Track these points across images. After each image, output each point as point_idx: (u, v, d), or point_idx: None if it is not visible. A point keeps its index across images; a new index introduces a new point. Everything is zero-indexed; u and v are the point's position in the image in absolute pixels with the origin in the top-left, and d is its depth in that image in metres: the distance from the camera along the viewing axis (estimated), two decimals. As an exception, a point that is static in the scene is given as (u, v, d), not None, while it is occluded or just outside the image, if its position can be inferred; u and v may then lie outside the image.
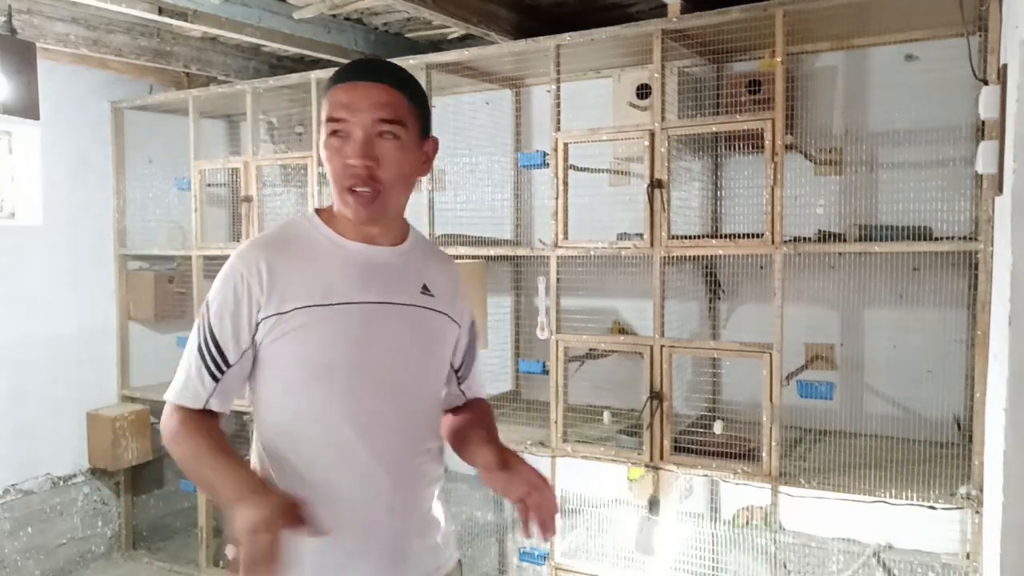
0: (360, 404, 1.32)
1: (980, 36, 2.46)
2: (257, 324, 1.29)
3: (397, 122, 1.29)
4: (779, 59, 2.56)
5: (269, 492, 1.20)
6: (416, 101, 1.33)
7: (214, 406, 1.32)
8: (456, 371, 1.52)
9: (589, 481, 3.17)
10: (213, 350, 1.30)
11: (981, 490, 2.34)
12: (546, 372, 3.04)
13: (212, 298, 1.31)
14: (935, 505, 2.44)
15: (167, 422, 1.32)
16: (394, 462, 1.35)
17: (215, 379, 1.31)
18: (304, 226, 1.37)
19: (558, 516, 1.25)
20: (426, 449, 1.41)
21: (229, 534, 1.17)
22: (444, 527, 1.48)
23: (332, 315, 1.30)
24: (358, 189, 1.28)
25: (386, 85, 1.29)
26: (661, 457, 2.79)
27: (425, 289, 1.40)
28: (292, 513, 1.14)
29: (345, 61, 3.63)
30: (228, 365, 1.31)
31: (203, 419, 1.32)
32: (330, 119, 1.28)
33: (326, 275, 1.32)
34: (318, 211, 1.40)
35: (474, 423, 1.51)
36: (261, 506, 1.14)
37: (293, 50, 3.56)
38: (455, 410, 1.56)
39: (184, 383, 1.32)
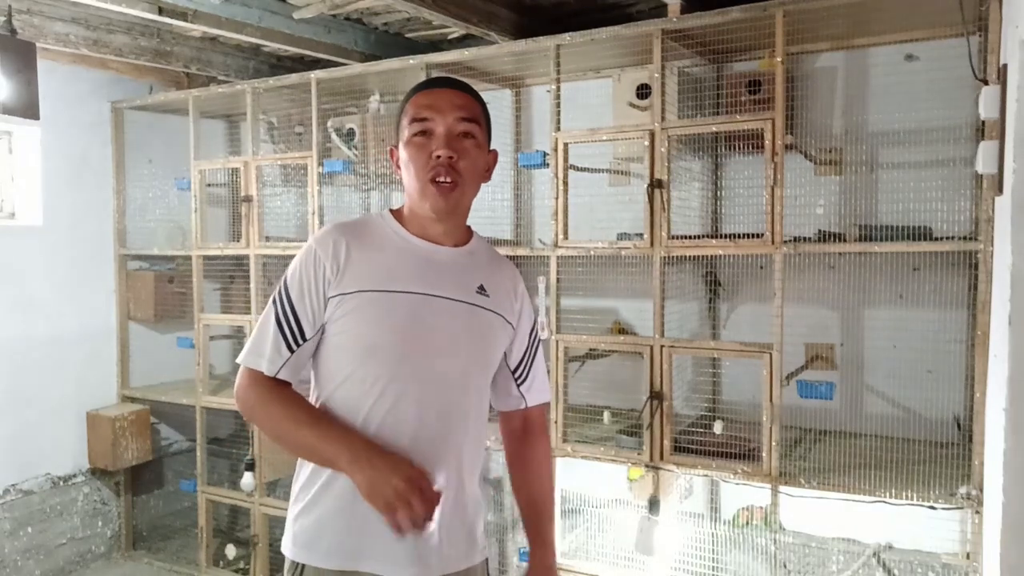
0: (402, 385, 1.40)
1: (980, 36, 2.46)
2: (327, 301, 1.41)
3: (474, 121, 1.45)
4: (779, 59, 2.56)
5: (386, 451, 1.35)
6: (484, 112, 1.51)
7: (283, 375, 1.43)
8: (513, 372, 1.62)
9: (589, 481, 3.17)
10: (293, 324, 1.41)
11: (981, 490, 2.34)
12: (546, 372, 3.04)
13: (291, 276, 1.44)
14: (935, 505, 2.44)
15: (246, 388, 1.43)
16: (432, 445, 1.43)
17: (291, 351, 1.42)
18: (376, 220, 1.51)
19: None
20: (466, 437, 1.48)
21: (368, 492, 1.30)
22: (480, 519, 1.55)
23: (387, 300, 1.41)
24: (440, 180, 1.42)
25: (463, 92, 1.47)
26: (661, 457, 2.79)
27: (481, 289, 1.51)
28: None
29: (345, 61, 3.66)
30: (304, 339, 1.42)
31: (285, 387, 1.43)
32: (415, 120, 1.44)
33: (388, 264, 1.44)
34: (391, 211, 1.53)
35: (541, 496, 1.68)
36: (396, 463, 1.31)
37: (293, 50, 3.56)
38: (522, 440, 1.68)
39: (260, 351, 1.42)
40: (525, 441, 1.68)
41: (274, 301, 1.44)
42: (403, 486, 1.26)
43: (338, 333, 1.42)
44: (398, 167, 1.50)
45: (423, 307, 1.43)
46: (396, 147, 1.50)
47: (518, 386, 1.63)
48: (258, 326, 1.46)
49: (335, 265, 1.41)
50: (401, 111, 1.49)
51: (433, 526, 1.35)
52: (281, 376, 1.42)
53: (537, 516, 1.67)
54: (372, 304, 1.40)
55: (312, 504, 1.43)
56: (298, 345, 1.42)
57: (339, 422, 1.40)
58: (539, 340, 1.67)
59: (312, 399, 1.48)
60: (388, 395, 1.40)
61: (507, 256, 3.44)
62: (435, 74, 3.27)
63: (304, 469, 1.46)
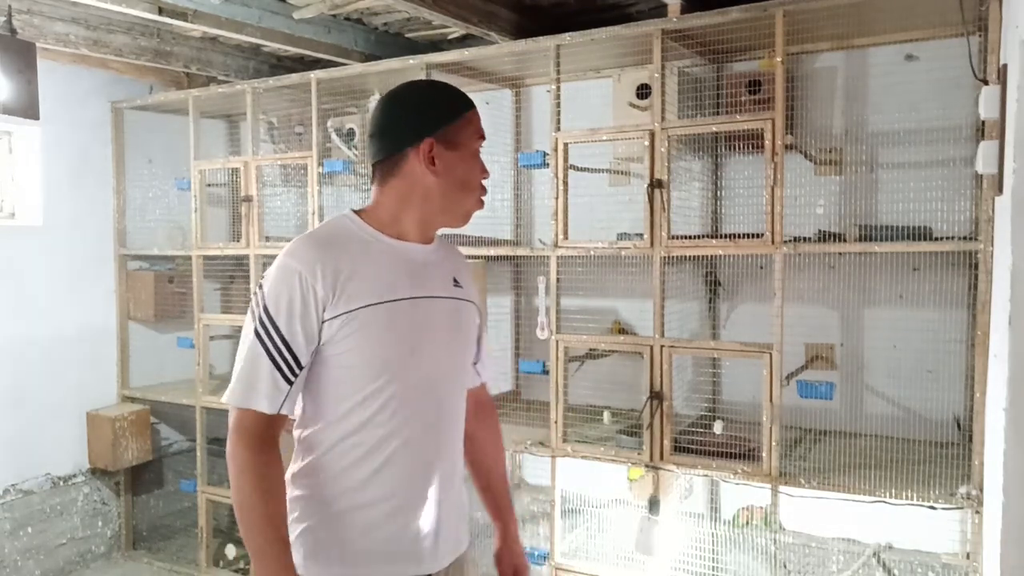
0: (417, 394, 1.42)
1: (980, 36, 2.46)
2: (323, 324, 1.34)
3: None
4: (779, 59, 2.56)
5: None
6: None
7: (286, 410, 1.36)
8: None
9: (589, 481, 3.17)
10: (286, 354, 1.33)
11: (981, 490, 2.34)
12: (546, 372, 3.04)
13: (273, 302, 1.34)
14: (935, 505, 2.44)
15: (237, 444, 1.35)
16: (441, 443, 1.48)
17: (289, 383, 1.35)
18: (348, 226, 1.44)
19: None
20: (460, 426, 1.56)
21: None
22: (467, 508, 1.60)
23: (391, 311, 1.39)
24: (482, 198, 1.50)
25: None
26: (661, 457, 2.79)
27: (455, 281, 1.54)
28: None
29: (345, 61, 3.65)
30: (301, 368, 1.35)
31: (273, 457, 1.36)
32: (481, 137, 1.50)
33: (382, 272, 1.40)
34: (355, 212, 1.48)
35: (501, 473, 1.76)
36: None
37: (293, 50, 3.56)
38: (476, 418, 1.68)
39: (254, 389, 1.33)
40: (479, 420, 1.70)
41: (257, 333, 1.34)
42: None
43: (344, 352, 1.36)
44: (433, 164, 1.41)
45: (420, 311, 1.43)
46: (438, 143, 1.42)
47: (474, 364, 1.66)
48: (244, 363, 1.35)
49: (328, 285, 1.34)
50: (455, 113, 1.45)
51: None
52: (283, 411, 1.36)
53: (499, 492, 1.74)
54: (378, 317, 1.37)
55: (324, 521, 1.42)
56: (295, 376, 1.35)
57: (285, 545, 1.35)
58: (485, 319, 1.75)
59: (314, 427, 1.42)
60: (407, 406, 1.40)
61: (507, 256, 3.48)
62: (435, 75, 3.27)
63: (303, 492, 1.43)
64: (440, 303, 1.47)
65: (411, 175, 1.43)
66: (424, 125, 1.42)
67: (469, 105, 1.49)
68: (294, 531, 1.43)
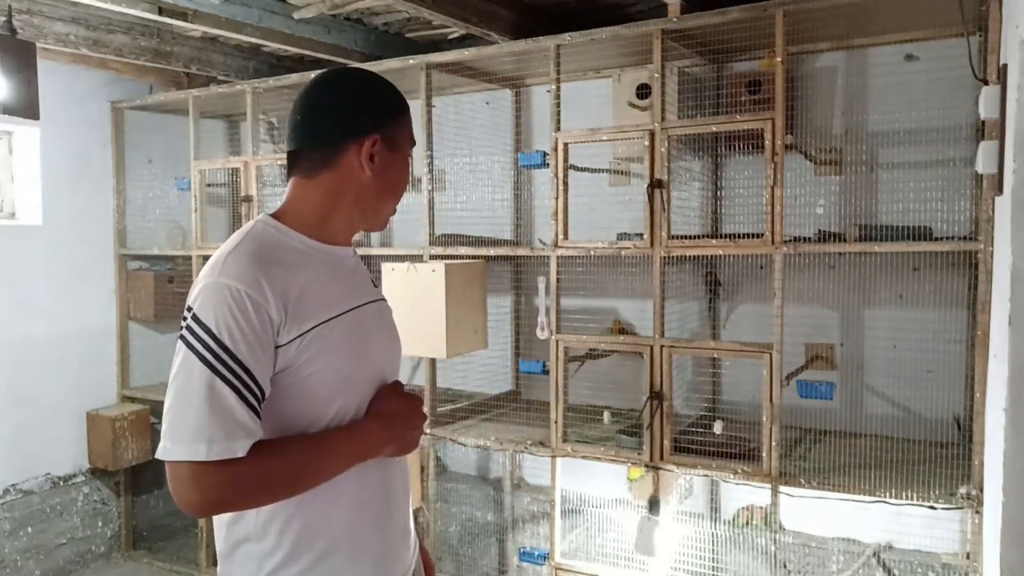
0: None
1: (980, 36, 2.46)
2: (277, 350, 1.20)
3: None
4: (779, 59, 2.56)
5: (373, 415, 1.33)
6: None
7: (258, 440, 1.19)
8: None
9: (589, 481, 3.17)
10: (252, 386, 1.16)
11: (981, 490, 2.34)
12: (546, 372, 3.04)
13: (226, 330, 1.15)
14: (935, 505, 2.44)
15: (224, 486, 1.14)
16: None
17: (260, 417, 1.18)
18: (275, 235, 1.30)
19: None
20: None
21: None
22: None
23: (342, 325, 1.28)
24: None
25: None
26: (661, 457, 2.79)
27: (374, 282, 1.47)
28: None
29: (345, 61, 3.65)
30: (264, 398, 1.19)
31: (251, 457, 1.16)
32: (414, 142, 1.41)
33: (325, 285, 1.29)
34: (272, 216, 1.34)
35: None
36: (401, 422, 1.35)
37: (293, 50, 3.56)
38: None
39: (232, 431, 1.13)
40: None
41: (214, 368, 1.14)
42: (420, 429, 1.39)
43: (306, 378, 1.23)
44: (371, 161, 1.30)
45: (363, 320, 1.35)
46: (382, 141, 1.32)
47: None
48: (204, 406, 1.13)
49: (279, 307, 1.19)
50: (399, 111, 1.37)
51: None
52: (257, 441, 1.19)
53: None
54: (332, 335, 1.26)
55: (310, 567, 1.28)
56: (261, 407, 1.18)
57: (330, 431, 1.27)
58: None
59: None
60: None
61: (507, 256, 3.48)
62: (435, 75, 3.27)
63: (269, 544, 1.25)
64: (372, 307, 1.39)
65: (348, 170, 1.30)
66: (372, 118, 1.31)
67: (408, 106, 1.39)
68: (266, 564, 1.25)
